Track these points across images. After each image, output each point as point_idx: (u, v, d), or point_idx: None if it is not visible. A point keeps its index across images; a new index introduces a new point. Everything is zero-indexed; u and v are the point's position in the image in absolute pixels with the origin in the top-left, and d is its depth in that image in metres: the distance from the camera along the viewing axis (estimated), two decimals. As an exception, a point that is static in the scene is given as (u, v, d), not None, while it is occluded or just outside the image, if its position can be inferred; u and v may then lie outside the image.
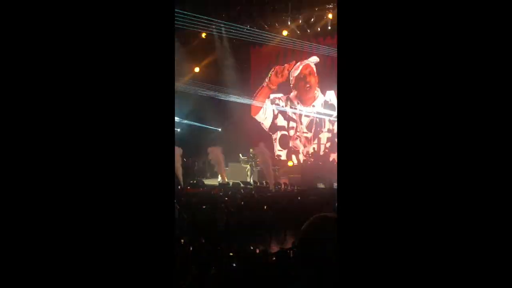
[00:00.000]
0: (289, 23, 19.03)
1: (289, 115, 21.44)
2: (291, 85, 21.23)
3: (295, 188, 15.80)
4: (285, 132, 21.50)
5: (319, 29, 19.03)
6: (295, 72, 20.97)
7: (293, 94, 21.29)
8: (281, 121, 21.72)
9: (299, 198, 12.89)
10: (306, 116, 20.79)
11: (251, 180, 18.48)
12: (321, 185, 16.12)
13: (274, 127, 21.75)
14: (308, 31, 19.42)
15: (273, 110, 21.73)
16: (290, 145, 21.22)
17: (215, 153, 17.93)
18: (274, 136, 21.70)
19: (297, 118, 21.26)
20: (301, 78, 20.89)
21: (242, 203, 12.56)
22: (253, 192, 14.95)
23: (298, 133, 21.12)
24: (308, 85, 20.76)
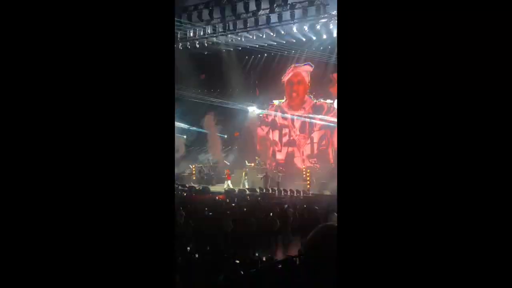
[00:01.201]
0: (295, 30, 19.06)
1: (280, 122, 21.63)
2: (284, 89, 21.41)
3: (301, 195, 15.73)
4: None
5: (325, 36, 19.02)
6: (286, 77, 21.14)
7: (284, 101, 21.48)
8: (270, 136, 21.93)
9: (305, 206, 12.81)
10: (298, 117, 20.98)
11: (247, 186, 18.73)
12: (327, 192, 16.04)
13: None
14: (314, 38, 19.42)
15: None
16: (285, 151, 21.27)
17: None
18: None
19: (289, 123, 21.44)
20: (289, 84, 21.13)
21: (245, 209, 12.52)
22: (259, 198, 14.89)
23: (292, 137, 21.23)
24: (295, 93, 20.97)
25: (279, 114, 21.63)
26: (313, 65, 20.20)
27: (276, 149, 21.69)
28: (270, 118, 22.02)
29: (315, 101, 20.51)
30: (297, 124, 21.20)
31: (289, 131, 21.42)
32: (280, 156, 21.58)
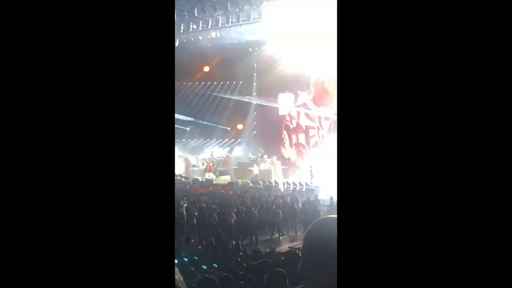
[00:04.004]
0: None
1: (306, 124, 20.70)
2: (311, 85, 20.52)
3: (305, 187, 15.75)
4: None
5: (328, 29, 18.85)
6: (315, 73, 19.95)
7: (309, 96, 20.55)
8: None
9: (309, 198, 12.84)
10: (326, 119, 20.02)
11: (209, 176, 19.08)
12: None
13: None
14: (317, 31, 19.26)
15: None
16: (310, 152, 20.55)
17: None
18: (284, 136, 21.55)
19: (317, 122, 20.37)
20: (320, 82, 19.96)
21: (248, 202, 12.57)
22: (263, 191, 14.95)
23: (320, 138, 20.25)
24: (325, 93, 19.84)
25: (302, 110, 20.57)
26: None
27: (303, 151, 20.72)
28: (293, 121, 21.19)
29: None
30: (325, 125, 19.99)
31: (318, 132, 20.34)
32: (309, 157, 20.54)
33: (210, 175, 19.45)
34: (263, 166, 19.02)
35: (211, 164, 20.24)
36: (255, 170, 18.60)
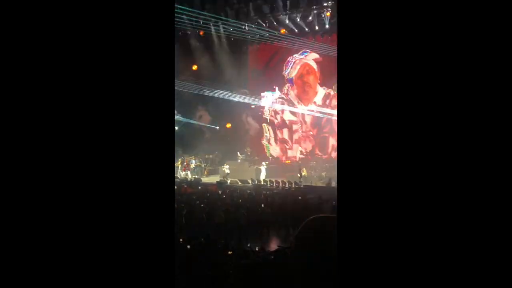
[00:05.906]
0: (287, 21, 19.02)
1: (289, 119, 21.21)
2: (292, 85, 20.99)
3: (293, 186, 15.83)
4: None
5: (317, 27, 19.03)
6: (293, 72, 20.75)
7: (292, 93, 21.09)
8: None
9: (299, 198, 12.88)
10: (309, 113, 20.59)
11: (182, 174, 19.29)
12: (319, 183, 16.17)
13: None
14: (306, 29, 19.41)
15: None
16: (299, 148, 20.97)
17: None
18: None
19: (301, 118, 20.94)
20: (299, 77, 20.70)
21: (240, 200, 12.59)
22: (252, 190, 14.99)
23: (304, 133, 20.83)
24: (307, 84, 20.55)
25: (287, 108, 21.02)
26: (317, 55, 19.80)
27: (287, 146, 21.28)
28: (277, 116, 21.54)
29: (327, 91, 20.10)
30: (308, 119, 20.68)
31: (301, 127, 20.88)
32: (292, 153, 21.12)
33: (183, 174, 19.47)
34: (252, 166, 19.15)
35: (188, 162, 20.22)
36: (226, 169, 18.76)
